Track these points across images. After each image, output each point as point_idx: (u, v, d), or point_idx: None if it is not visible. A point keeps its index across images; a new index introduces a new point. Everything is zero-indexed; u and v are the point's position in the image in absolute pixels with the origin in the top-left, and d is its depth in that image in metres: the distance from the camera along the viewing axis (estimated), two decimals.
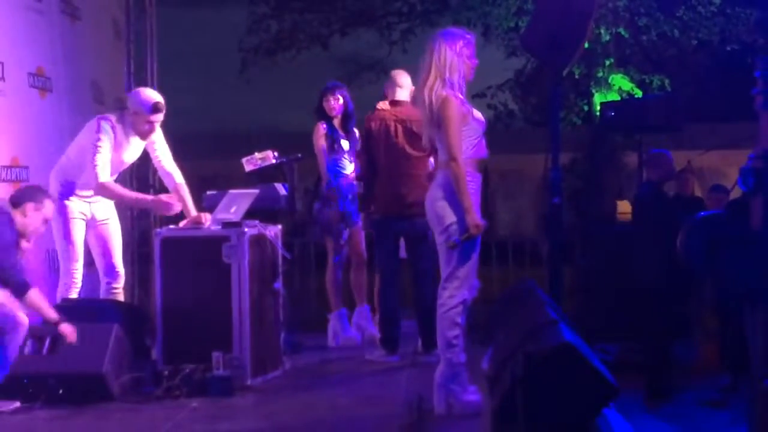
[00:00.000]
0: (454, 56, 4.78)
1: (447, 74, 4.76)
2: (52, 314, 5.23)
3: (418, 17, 13.87)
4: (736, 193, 7.71)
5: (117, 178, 6.10)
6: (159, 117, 5.84)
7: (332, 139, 6.86)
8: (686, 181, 8.82)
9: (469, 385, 4.86)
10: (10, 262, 5.16)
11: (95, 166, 5.73)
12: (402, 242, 6.46)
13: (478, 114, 4.91)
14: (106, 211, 6.05)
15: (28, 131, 6.44)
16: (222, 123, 18.23)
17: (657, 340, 6.95)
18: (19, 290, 5.16)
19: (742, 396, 6.22)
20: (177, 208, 5.83)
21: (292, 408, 5.21)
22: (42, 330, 5.29)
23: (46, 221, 5.39)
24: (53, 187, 5.89)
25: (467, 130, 4.79)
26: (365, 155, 6.43)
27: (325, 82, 7.10)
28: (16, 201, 5.29)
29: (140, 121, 5.82)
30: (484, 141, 4.90)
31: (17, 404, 5.07)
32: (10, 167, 6.21)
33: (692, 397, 6.79)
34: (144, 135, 5.91)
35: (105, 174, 5.76)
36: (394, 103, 6.36)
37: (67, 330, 5.22)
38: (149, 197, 5.88)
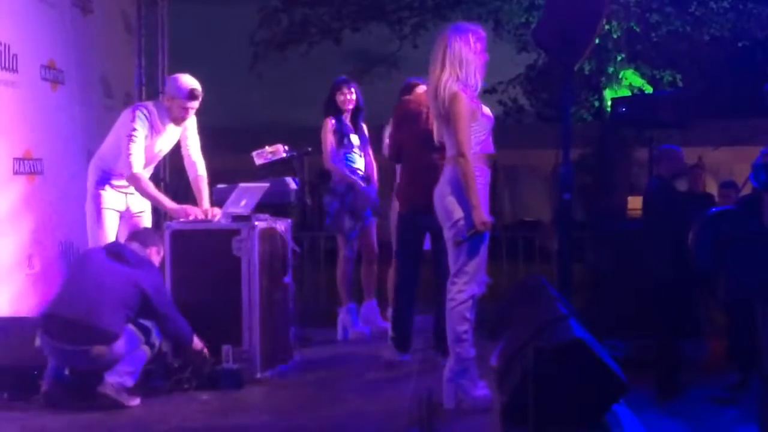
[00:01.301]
0: (468, 51, 4.76)
1: (459, 69, 4.74)
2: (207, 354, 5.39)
3: (429, 11, 13.85)
4: (747, 190, 7.70)
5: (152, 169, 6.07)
6: (195, 103, 5.83)
7: (341, 134, 6.85)
8: (697, 177, 8.81)
9: (479, 380, 4.86)
10: (174, 311, 5.25)
11: (129, 155, 5.68)
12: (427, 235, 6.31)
13: (486, 110, 4.89)
14: (141, 203, 6.00)
15: (40, 124, 6.44)
16: (233, 117, 18.23)
17: (666, 337, 6.94)
18: (186, 341, 5.28)
19: (751, 393, 6.21)
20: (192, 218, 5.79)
21: (301, 401, 5.22)
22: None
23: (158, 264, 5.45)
24: (91, 178, 5.88)
25: (476, 126, 4.78)
26: (395, 138, 6.19)
27: (335, 77, 7.09)
28: (144, 244, 5.36)
29: (176, 106, 5.80)
30: (491, 137, 4.89)
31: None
32: (23, 159, 6.22)
33: (701, 394, 6.79)
34: (179, 121, 5.88)
35: (138, 165, 5.71)
36: None
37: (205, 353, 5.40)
38: (170, 206, 5.75)
